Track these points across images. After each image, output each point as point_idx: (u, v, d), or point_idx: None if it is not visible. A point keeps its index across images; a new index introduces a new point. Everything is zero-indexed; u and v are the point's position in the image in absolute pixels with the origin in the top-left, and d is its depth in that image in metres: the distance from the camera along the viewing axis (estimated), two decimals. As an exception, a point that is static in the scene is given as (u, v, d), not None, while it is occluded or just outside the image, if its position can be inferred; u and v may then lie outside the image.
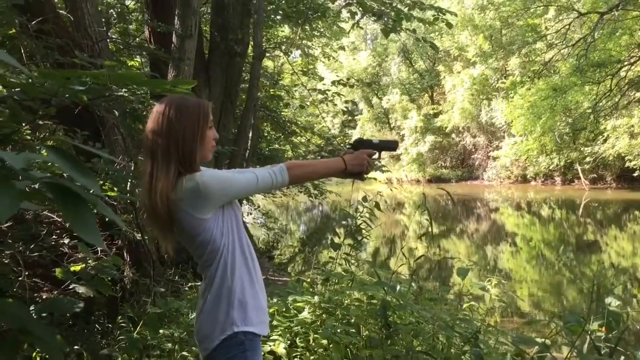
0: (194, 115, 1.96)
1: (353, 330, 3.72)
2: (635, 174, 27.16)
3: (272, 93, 11.55)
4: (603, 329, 2.61)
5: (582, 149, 29.82)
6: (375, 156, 2.23)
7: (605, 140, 28.06)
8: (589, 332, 2.48)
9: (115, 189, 3.59)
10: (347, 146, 2.22)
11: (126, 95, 3.63)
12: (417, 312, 3.72)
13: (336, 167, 2.14)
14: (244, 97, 8.52)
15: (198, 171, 1.92)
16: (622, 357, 2.50)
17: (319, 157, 11.44)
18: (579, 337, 2.13)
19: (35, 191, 0.69)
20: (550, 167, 32.46)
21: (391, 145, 2.30)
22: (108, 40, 6.27)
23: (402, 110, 43.08)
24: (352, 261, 4.79)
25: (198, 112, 1.97)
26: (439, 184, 32.48)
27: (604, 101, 23.46)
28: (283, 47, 11.97)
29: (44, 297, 4.64)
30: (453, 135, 40.14)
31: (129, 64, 8.74)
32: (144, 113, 4.02)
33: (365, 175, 2.20)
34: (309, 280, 5.03)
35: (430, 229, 3.72)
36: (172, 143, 1.91)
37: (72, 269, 2.93)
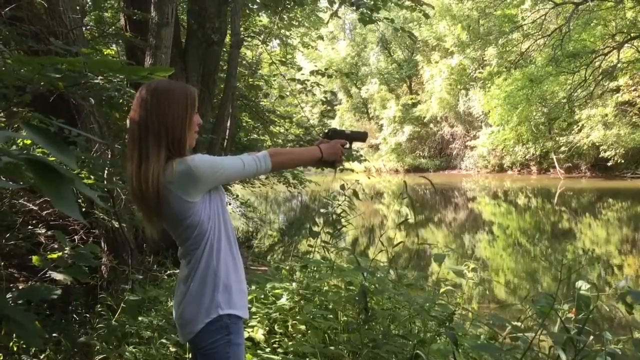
0: (182, 100, 1.99)
1: (331, 316, 3.76)
2: (609, 163, 27.66)
3: (250, 82, 11.49)
4: (573, 310, 2.69)
5: (557, 138, 30.27)
6: (347, 146, 2.29)
7: (580, 130, 28.52)
8: (559, 314, 2.55)
9: (92, 177, 3.57)
10: (322, 135, 2.26)
11: (102, 83, 3.60)
12: (394, 297, 3.77)
13: (313, 155, 2.19)
14: (222, 86, 8.47)
15: (187, 156, 1.95)
16: (591, 337, 2.57)
17: (298, 146, 11.45)
18: (547, 316, 2.19)
19: (12, 167, 0.69)
20: (527, 157, 32.92)
21: (361, 136, 2.38)
22: (83, 28, 6.19)
23: (380, 100, 43.23)
24: (331, 249, 4.82)
25: (186, 98, 2.00)
26: (418, 174, 32.71)
27: (579, 91, 23.82)
28: (261, 36, 11.91)
29: (20, 287, 4.61)
30: (431, 125, 40.42)
31: (105, 53, 8.64)
32: (121, 101, 4.00)
33: (338, 165, 2.26)
34: (287, 268, 5.07)
35: (411, 216, 3.77)
36: (162, 128, 1.93)
37: (49, 257, 2.92)
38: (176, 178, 1.89)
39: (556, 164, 30.76)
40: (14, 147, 3.68)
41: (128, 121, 2.00)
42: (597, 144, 27.77)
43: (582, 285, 2.85)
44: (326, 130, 2.28)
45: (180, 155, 1.94)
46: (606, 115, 27.14)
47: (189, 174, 1.89)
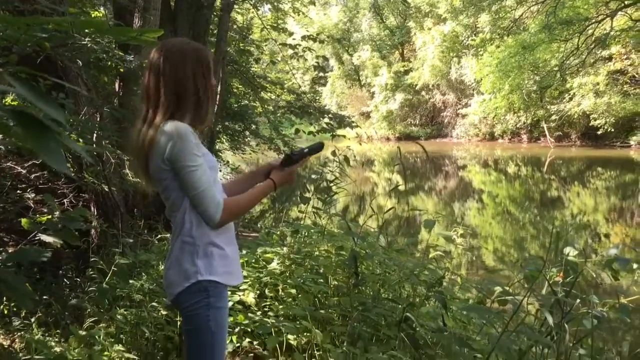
0: (196, 58, 1.98)
1: (321, 280, 3.79)
2: (599, 132, 27.76)
3: (241, 47, 11.34)
4: (560, 274, 2.72)
5: (548, 107, 30.26)
6: (304, 160, 2.28)
7: (571, 99, 28.52)
8: (547, 278, 2.59)
9: (81, 140, 3.53)
10: (281, 160, 2.23)
11: (90, 45, 3.54)
12: (384, 262, 3.80)
13: (268, 192, 2.15)
14: (212, 50, 8.36)
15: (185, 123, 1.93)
16: (578, 300, 2.61)
17: (289, 113, 11.38)
18: (536, 279, 2.22)
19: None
20: (517, 125, 32.96)
21: (318, 148, 2.36)
22: (70, -12, 6.04)
23: (372, 67, 42.94)
24: (322, 215, 4.84)
25: (201, 56, 1.99)
26: (409, 142, 32.72)
27: (571, 59, 23.75)
28: (252, 1, 11.72)
29: (9, 251, 4.60)
30: (423, 93, 40.24)
31: (93, 15, 8.46)
32: (109, 64, 3.94)
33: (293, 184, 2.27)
34: (278, 233, 5.08)
35: (403, 181, 3.78)
36: (177, 88, 1.94)
37: (38, 219, 2.91)
38: (159, 138, 1.90)
39: (547, 132, 30.84)
40: None
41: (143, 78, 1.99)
42: (587, 112, 27.80)
43: (570, 252, 2.89)
44: (284, 155, 2.25)
45: (179, 118, 1.93)
46: (597, 83, 27.10)
47: (168, 142, 1.88)
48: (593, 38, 22.91)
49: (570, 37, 22.81)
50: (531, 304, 2.71)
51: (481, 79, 32.07)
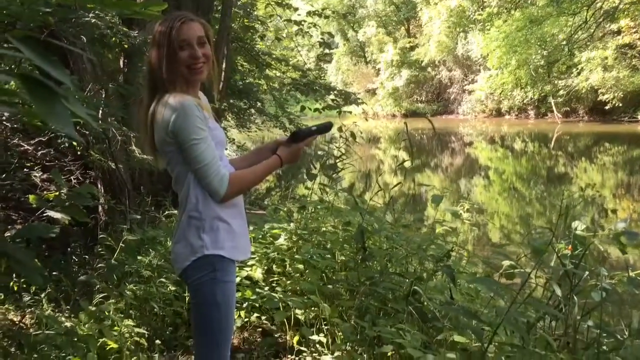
0: (156, 36, 1.97)
1: (328, 256, 3.80)
2: (607, 107, 27.50)
3: (245, 24, 11.23)
4: (569, 247, 2.71)
5: (556, 82, 29.94)
6: (311, 138, 2.26)
7: (579, 73, 28.20)
8: (556, 250, 2.58)
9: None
10: (288, 137, 2.21)
11: (94, 20, 3.51)
12: (391, 236, 3.80)
13: (274, 168, 2.13)
14: (216, 27, 8.28)
15: (181, 93, 1.94)
16: (587, 272, 2.61)
17: (294, 90, 11.31)
18: (545, 252, 2.21)
19: (6, 91, 0.67)
20: (524, 101, 32.67)
21: (326, 128, 2.32)
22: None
23: (378, 43, 42.54)
24: (328, 191, 4.83)
25: (159, 34, 1.97)
26: (415, 118, 32.57)
27: (579, 33, 23.42)
28: (256, -24, 11.58)
29: (17, 228, 4.63)
30: (429, 69, 39.91)
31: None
32: (113, 39, 3.91)
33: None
34: (285, 209, 5.08)
35: (410, 158, 3.76)
36: (150, 66, 1.99)
37: (46, 196, 2.92)
38: (163, 111, 1.91)
39: (554, 108, 30.57)
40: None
41: None
42: (595, 87, 27.51)
43: (578, 226, 2.87)
44: (291, 132, 2.23)
45: (173, 92, 1.92)
46: (606, 58, 26.77)
47: (171, 115, 1.89)
48: (602, 11, 22.55)
49: (579, 11, 22.45)
50: (539, 277, 2.71)
51: (488, 54, 31.74)
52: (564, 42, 25.33)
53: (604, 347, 2.49)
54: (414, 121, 27.38)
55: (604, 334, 2.44)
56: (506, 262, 2.83)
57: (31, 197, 2.76)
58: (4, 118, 4.12)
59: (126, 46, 4.35)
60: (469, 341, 2.51)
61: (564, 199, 2.43)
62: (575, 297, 2.51)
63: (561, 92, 29.65)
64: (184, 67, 1.95)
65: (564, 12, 23.26)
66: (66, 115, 0.64)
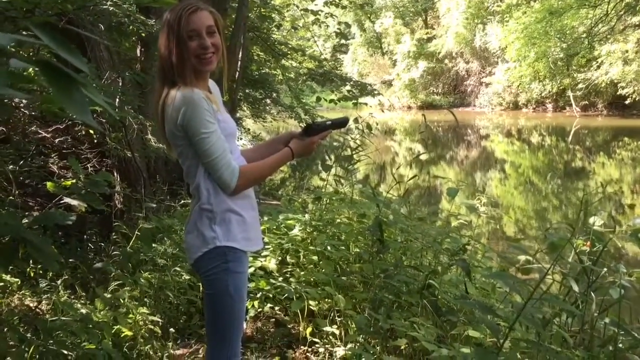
0: (165, 26, 1.95)
1: (343, 247, 3.79)
2: (627, 102, 27.10)
3: (262, 13, 11.20)
4: (587, 243, 2.68)
5: (575, 75, 29.53)
6: (325, 132, 2.22)
7: (598, 67, 27.77)
8: (574, 246, 2.55)
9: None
10: (301, 129, 2.18)
11: (111, 8, 3.51)
12: (406, 229, 3.78)
13: (285, 161, 2.12)
14: (233, 16, 8.27)
15: (195, 87, 1.93)
16: (605, 269, 2.57)
17: (310, 80, 11.27)
18: (563, 247, 2.18)
19: (24, 78, 0.67)
20: (542, 94, 32.26)
21: (342, 123, 2.29)
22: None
23: (395, 34, 42.23)
24: (343, 183, 4.81)
25: (167, 23, 1.95)
26: (431, 110, 32.39)
27: (599, 25, 23.07)
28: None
29: (34, 215, 4.66)
30: (446, 61, 39.53)
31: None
32: (130, 27, 3.92)
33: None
34: (300, 200, 5.08)
35: (426, 150, 3.73)
36: (159, 59, 1.99)
37: (63, 183, 2.93)
38: (172, 105, 1.91)
39: (572, 101, 30.15)
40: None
41: None
42: (615, 81, 27.08)
43: (596, 221, 2.83)
44: (305, 125, 2.20)
45: (182, 83, 1.92)
46: (626, 51, 26.32)
47: (180, 109, 1.88)
48: (623, 4, 22.17)
49: (600, 3, 22.10)
50: (555, 273, 2.68)
51: (506, 47, 31.38)
52: (584, 35, 24.96)
53: (621, 345, 2.46)
54: (430, 113, 27.26)
55: (622, 332, 2.40)
56: (522, 257, 2.80)
57: (49, 184, 2.78)
58: (21, 105, 4.15)
59: (143, 34, 4.35)
60: (483, 336, 2.50)
61: (585, 194, 2.39)
62: (592, 294, 2.48)
63: (580, 85, 29.23)
64: (193, 57, 1.93)
65: (585, 4, 22.91)
66: (84, 104, 0.64)
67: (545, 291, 2.34)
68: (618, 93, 27.40)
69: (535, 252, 3.10)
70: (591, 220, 2.85)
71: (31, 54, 4.02)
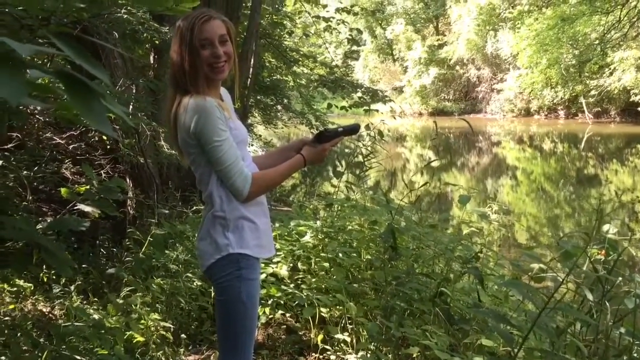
0: (178, 34, 1.95)
1: (354, 254, 3.78)
2: (640, 108, 26.90)
3: (274, 20, 11.24)
4: (602, 252, 2.65)
5: (587, 82, 29.34)
6: (337, 139, 2.22)
7: (611, 73, 27.59)
8: (588, 254, 2.52)
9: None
10: (313, 136, 2.19)
11: (125, 16, 3.54)
12: (418, 236, 3.76)
13: (297, 168, 2.13)
14: (245, 23, 8.30)
15: (207, 95, 1.94)
16: (620, 278, 2.55)
17: (322, 86, 11.29)
18: (579, 257, 2.16)
19: (40, 86, 0.67)
20: (554, 101, 32.08)
21: (354, 130, 2.29)
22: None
23: (406, 41, 42.25)
24: (354, 189, 4.81)
25: (179, 30, 1.95)
26: (442, 117, 32.31)
27: (612, 32, 22.93)
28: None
29: (48, 220, 4.70)
30: (457, 68, 39.47)
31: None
32: (145, 35, 3.94)
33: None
34: (311, 207, 5.08)
35: (436, 158, 3.72)
36: (173, 64, 1.97)
37: (77, 189, 2.96)
38: (184, 113, 1.91)
39: (585, 108, 29.95)
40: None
41: None
42: (628, 87, 26.88)
43: (609, 229, 2.81)
44: (317, 132, 2.20)
45: (194, 91, 1.93)
46: (639, 58, 26.17)
47: (193, 117, 1.89)
48: (636, 10, 22.03)
49: (612, 9, 21.98)
50: (569, 282, 2.66)
51: (518, 53, 31.28)
52: (597, 42, 24.82)
53: (636, 355, 2.43)
54: (441, 120, 27.10)
55: (637, 342, 2.38)
56: (535, 265, 2.78)
57: (63, 190, 2.80)
58: (36, 112, 4.19)
59: (157, 42, 4.39)
60: (496, 345, 2.48)
61: (601, 203, 2.37)
62: (607, 303, 2.45)
63: (592, 92, 29.03)
64: (206, 66, 1.94)
65: (597, 10, 22.79)
66: (103, 114, 0.64)
67: (559, 300, 2.32)
68: (631, 100, 27.20)
69: (549, 261, 3.08)
70: (604, 228, 2.82)
71: (45, 61, 4.06)
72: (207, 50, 1.93)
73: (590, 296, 2.32)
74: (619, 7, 21.52)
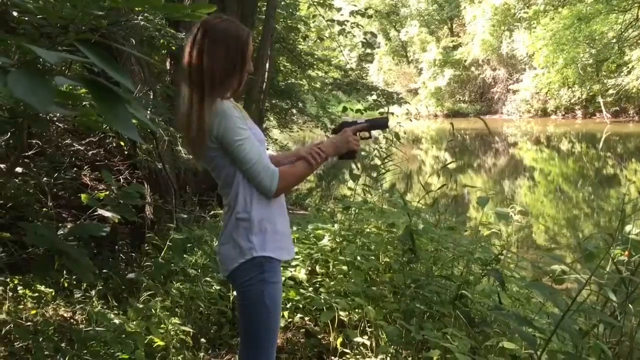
0: (237, 41, 1.95)
1: (372, 257, 3.77)
2: (659, 107, 26.57)
3: (289, 24, 11.28)
4: (626, 253, 2.61)
5: (605, 81, 29.02)
6: (365, 135, 2.20)
7: (629, 72, 27.26)
8: (611, 255, 2.49)
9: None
10: (332, 130, 2.17)
11: (142, 23, 3.58)
12: (437, 238, 3.74)
13: (321, 161, 2.09)
14: (260, 28, 8.34)
15: (227, 100, 1.96)
16: (644, 279, 2.50)
17: (337, 89, 11.29)
18: (602, 258, 2.13)
19: (66, 94, 0.68)
20: (572, 101, 31.78)
21: (381, 123, 2.24)
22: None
23: (420, 42, 42.20)
24: (371, 192, 4.79)
25: (238, 39, 1.95)
26: (458, 118, 32.14)
27: (629, 30, 22.69)
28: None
29: (68, 226, 4.74)
30: (472, 69, 39.29)
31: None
32: (162, 41, 3.98)
33: (356, 155, 2.16)
34: (328, 210, 5.07)
35: (453, 159, 3.70)
36: (215, 69, 1.90)
37: (97, 195, 2.98)
38: (213, 118, 1.90)
39: (602, 107, 29.60)
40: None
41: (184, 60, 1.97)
42: (647, 86, 26.58)
43: (633, 229, 2.76)
44: (338, 123, 2.18)
45: (220, 97, 1.93)
46: (658, 56, 25.85)
47: (214, 121, 1.89)
48: (654, 8, 21.82)
49: (629, 8, 21.76)
50: (592, 283, 2.62)
51: (534, 53, 31.05)
52: (614, 40, 24.58)
53: (661, 357, 2.39)
54: (457, 121, 26.92)
55: (662, 344, 2.34)
56: (555, 266, 2.74)
57: (83, 196, 2.83)
58: (55, 119, 4.23)
59: (173, 48, 4.42)
60: (518, 348, 2.45)
61: (624, 202, 2.33)
62: (631, 306, 2.41)
63: (610, 91, 28.70)
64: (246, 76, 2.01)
65: (614, 9, 22.58)
66: (129, 119, 0.65)
67: (582, 302, 2.29)
68: (650, 98, 26.86)
69: (572, 262, 3.04)
70: (627, 228, 2.78)
71: (63, 67, 4.11)
72: (249, 64, 2.00)
73: (613, 297, 2.29)
74: (636, 5, 21.30)
